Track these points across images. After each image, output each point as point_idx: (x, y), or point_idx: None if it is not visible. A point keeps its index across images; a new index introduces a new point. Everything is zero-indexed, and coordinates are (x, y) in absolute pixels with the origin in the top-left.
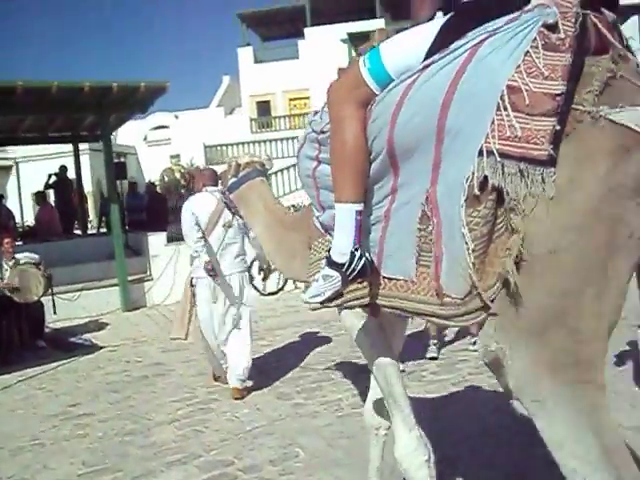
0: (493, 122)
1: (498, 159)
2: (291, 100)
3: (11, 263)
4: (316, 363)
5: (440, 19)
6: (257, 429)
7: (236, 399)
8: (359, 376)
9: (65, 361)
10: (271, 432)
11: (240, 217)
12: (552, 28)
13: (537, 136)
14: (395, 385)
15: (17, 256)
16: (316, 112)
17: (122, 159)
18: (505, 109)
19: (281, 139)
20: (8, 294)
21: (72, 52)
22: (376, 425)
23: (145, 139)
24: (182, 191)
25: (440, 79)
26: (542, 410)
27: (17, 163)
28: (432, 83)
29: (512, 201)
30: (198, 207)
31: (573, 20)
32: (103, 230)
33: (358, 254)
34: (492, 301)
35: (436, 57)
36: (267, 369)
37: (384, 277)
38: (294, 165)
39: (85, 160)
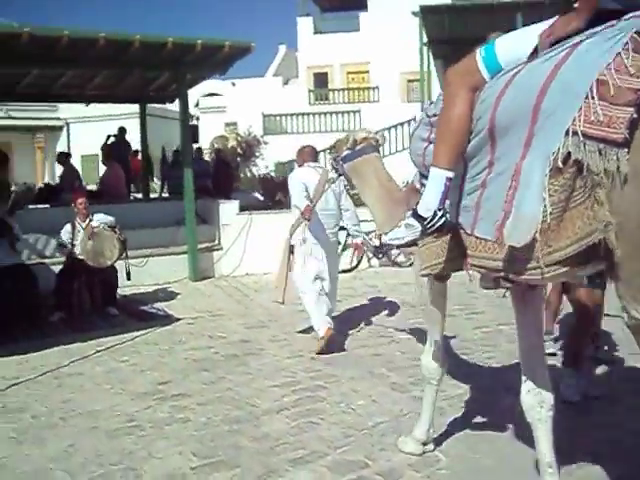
0: (581, 108)
1: (581, 139)
2: (349, 73)
3: (84, 224)
4: (416, 351)
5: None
6: (381, 425)
7: (318, 354)
8: (472, 369)
9: (142, 332)
10: (398, 430)
11: (351, 186)
12: None
13: (617, 122)
14: (435, 325)
15: (92, 218)
16: (432, 102)
17: (196, 122)
18: (592, 98)
19: (339, 112)
20: (81, 257)
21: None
22: (538, 403)
23: (197, 105)
24: (238, 160)
25: (542, 69)
26: None
27: (68, 124)
28: (534, 72)
29: (595, 176)
30: (306, 179)
31: None
32: (165, 195)
33: (440, 213)
34: (559, 262)
35: (541, 53)
36: (365, 355)
37: (476, 238)
38: None
39: (136, 123)
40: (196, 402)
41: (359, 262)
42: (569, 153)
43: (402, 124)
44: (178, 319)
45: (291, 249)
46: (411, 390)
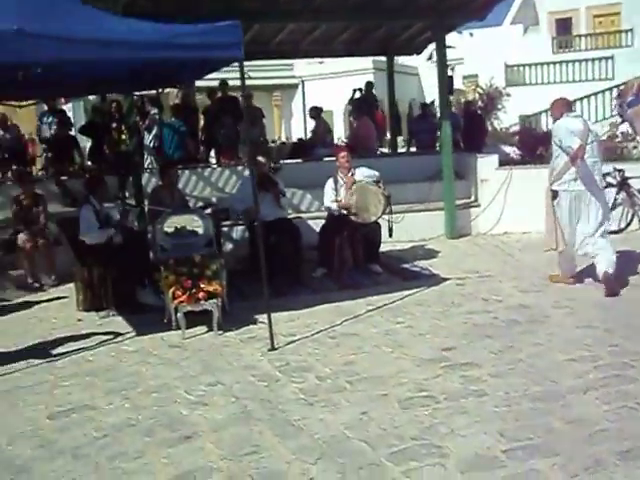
0: None
1: None
2: (596, 17)
3: (347, 179)
4: None
5: None
6: None
7: (607, 295)
8: None
9: (410, 292)
10: None
11: (635, 131)
12: None
13: None
14: None
15: (354, 172)
16: None
17: (451, 74)
18: None
19: (589, 60)
20: (344, 213)
21: None
22: None
23: (430, 58)
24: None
25: None
26: None
27: (303, 82)
28: None
29: None
30: (571, 127)
31: None
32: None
33: None
34: None
35: None
36: None
37: None
38: (603, 91)
39: (366, 79)
40: (487, 373)
41: (629, 223)
42: None
43: None
44: (445, 279)
45: (554, 194)
46: None
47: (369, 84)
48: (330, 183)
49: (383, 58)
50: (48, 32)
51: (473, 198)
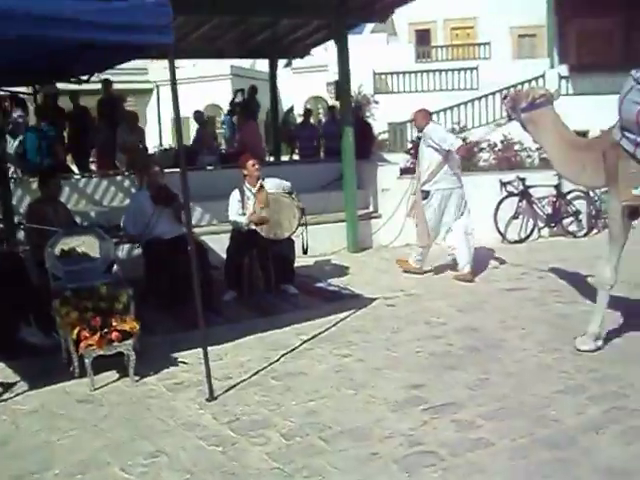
0: None
1: None
2: (453, 30)
3: (255, 190)
4: None
5: None
6: None
7: (467, 281)
8: None
9: (340, 316)
10: None
11: (526, 131)
12: None
13: None
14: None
15: (265, 182)
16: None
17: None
18: None
19: (449, 70)
20: (253, 227)
21: None
22: None
23: (288, 65)
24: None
25: None
26: None
27: (158, 87)
28: None
29: None
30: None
31: None
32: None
33: None
34: None
35: None
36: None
37: None
38: (472, 100)
39: (225, 85)
40: (479, 415)
41: (531, 232)
42: None
43: (522, 83)
44: (372, 299)
45: (425, 195)
46: None
47: (253, 88)
48: (236, 195)
49: (242, 63)
50: None
51: (372, 208)
